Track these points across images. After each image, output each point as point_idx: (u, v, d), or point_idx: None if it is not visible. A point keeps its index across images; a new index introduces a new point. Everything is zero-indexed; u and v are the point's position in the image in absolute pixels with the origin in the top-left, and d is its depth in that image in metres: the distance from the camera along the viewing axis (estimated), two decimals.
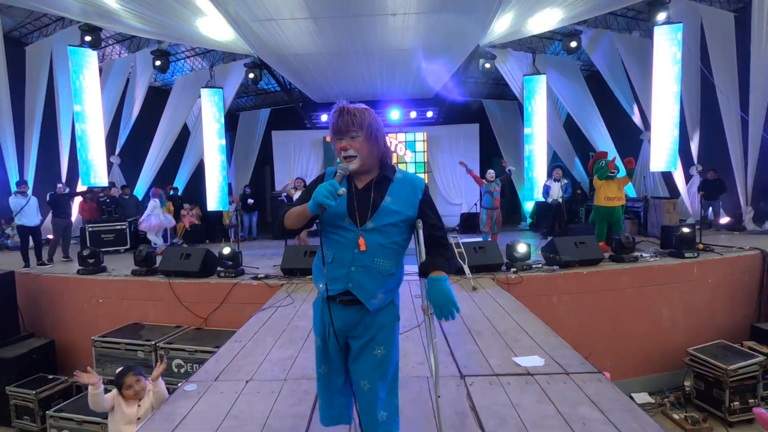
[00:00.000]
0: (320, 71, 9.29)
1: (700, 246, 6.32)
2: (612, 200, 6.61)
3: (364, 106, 1.57)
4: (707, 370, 5.07)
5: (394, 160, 1.62)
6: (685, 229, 5.98)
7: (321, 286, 1.57)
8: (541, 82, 9.64)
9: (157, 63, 9.26)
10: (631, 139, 10.00)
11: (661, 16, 7.69)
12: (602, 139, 10.02)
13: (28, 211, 6.94)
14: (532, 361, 2.85)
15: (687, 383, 5.39)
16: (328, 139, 1.70)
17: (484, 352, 3.05)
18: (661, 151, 8.13)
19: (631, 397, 5.45)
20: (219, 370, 2.85)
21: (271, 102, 13.11)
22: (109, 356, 5.24)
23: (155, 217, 8.41)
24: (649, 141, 8.77)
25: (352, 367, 1.61)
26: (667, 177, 9.49)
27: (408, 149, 11.88)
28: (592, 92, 10.17)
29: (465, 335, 3.42)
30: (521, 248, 5.70)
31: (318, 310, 1.64)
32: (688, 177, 9.21)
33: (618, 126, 10.21)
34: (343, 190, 1.43)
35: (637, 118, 9.73)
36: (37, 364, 5.69)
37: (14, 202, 6.89)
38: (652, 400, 5.49)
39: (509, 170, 7.57)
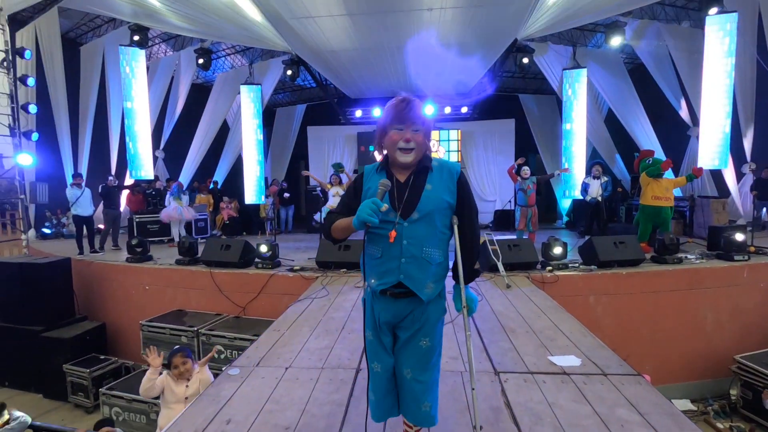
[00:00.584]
0: (356, 67, 9.38)
1: (752, 248, 5.98)
2: (659, 200, 6.30)
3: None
4: (756, 379, 4.82)
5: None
6: (738, 235, 5.64)
7: (373, 281, 1.62)
8: (581, 76, 9.34)
9: (200, 61, 9.61)
10: (678, 136, 9.54)
11: (713, 10, 7.27)
12: (646, 135, 9.60)
13: (83, 202, 7.41)
14: (568, 360, 2.82)
15: (733, 392, 5.14)
16: (374, 136, 1.72)
17: (518, 350, 3.04)
18: (710, 147, 7.72)
19: (671, 402, 5.31)
20: (260, 357, 2.98)
21: (307, 98, 13.34)
22: (155, 340, 5.54)
23: (182, 210, 8.40)
24: (697, 137, 8.34)
25: (397, 357, 1.66)
26: (716, 175, 8.99)
27: (441, 146, 11.81)
28: (636, 86, 9.75)
29: (499, 332, 3.41)
30: (557, 247, 5.59)
31: (369, 305, 1.68)
32: (739, 175, 8.71)
33: (663, 122, 9.76)
34: (385, 206, 1.47)
35: (684, 113, 9.27)
36: (90, 344, 6.12)
37: (70, 193, 7.38)
38: (695, 408, 5.28)
39: (556, 173, 7.56)
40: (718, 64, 7.47)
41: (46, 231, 9.80)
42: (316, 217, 8.21)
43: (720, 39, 7.42)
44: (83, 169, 9.74)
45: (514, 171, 7.18)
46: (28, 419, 3.37)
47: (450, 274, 1.70)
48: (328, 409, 2.30)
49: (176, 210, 8.25)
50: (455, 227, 1.65)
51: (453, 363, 2.85)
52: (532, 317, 3.76)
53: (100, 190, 7.83)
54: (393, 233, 1.55)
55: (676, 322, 5.40)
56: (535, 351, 3.01)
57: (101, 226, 8.24)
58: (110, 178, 8.09)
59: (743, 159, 8.50)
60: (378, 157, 1.73)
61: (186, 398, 2.96)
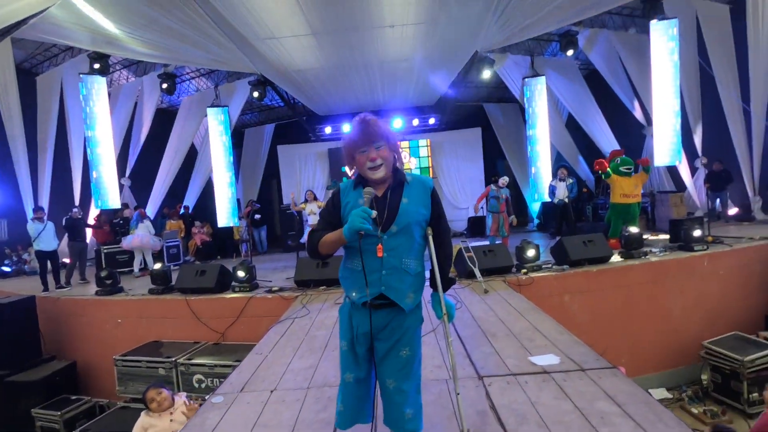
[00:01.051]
0: (322, 85, 9.46)
1: (710, 238, 6.33)
2: (628, 197, 6.65)
3: (374, 116, 1.68)
4: (724, 363, 5.07)
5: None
6: (696, 231, 5.96)
7: (354, 293, 1.66)
8: (540, 84, 9.73)
9: (164, 86, 9.48)
10: (634, 135, 10.04)
11: (654, 21, 7.79)
12: (605, 137, 10.07)
13: (46, 236, 7.12)
14: (547, 359, 2.91)
15: (704, 377, 5.38)
16: (347, 154, 1.79)
17: (500, 353, 3.11)
18: (664, 145, 8.17)
19: (649, 393, 5.50)
20: (243, 382, 2.94)
21: (276, 117, 13.32)
22: (131, 374, 5.35)
23: (150, 239, 8.27)
24: (652, 136, 8.82)
25: (378, 368, 1.69)
26: (672, 171, 9.50)
27: (412, 156, 12.00)
28: (592, 91, 10.24)
29: (480, 337, 3.48)
30: (530, 250, 5.76)
31: (346, 316, 1.72)
32: (693, 170, 9.22)
33: (620, 123, 10.26)
34: (375, 213, 1.54)
35: (638, 114, 9.78)
36: (60, 385, 5.81)
37: (32, 227, 7.08)
38: (670, 396, 5.48)
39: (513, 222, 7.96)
40: (664, 66, 7.95)
41: (6, 269, 9.34)
42: (303, 240, 8.18)
43: (664, 43, 7.92)
44: (45, 202, 9.37)
45: (484, 198, 7.51)
46: None
47: (427, 283, 1.76)
48: (317, 428, 2.29)
49: (137, 238, 8.10)
50: (430, 238, 1.72)
51: (438, 371, 2.89)
52: (511, 320, 3.86)
53: (63, 222, 7.55)
54: (380, 247, 1.61)
55: (647, 314, 5.63)
56: (516, 353, 3.10)
57: (66, 260, 7.92)
58: (74, 209, 7.83)
59: (695, 154, 9.02)
60: (349, 172, 1.79)
61: None
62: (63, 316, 6.54)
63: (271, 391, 2.77)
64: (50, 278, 7.18)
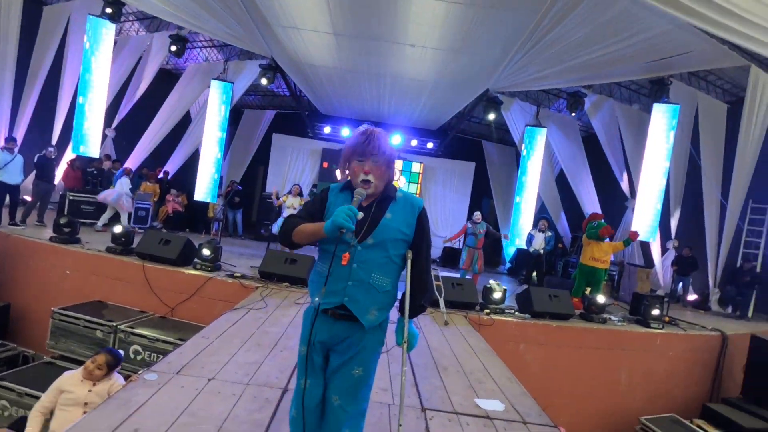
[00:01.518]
0: (332, 85, 9.47)
1: (666, 318, 6.51)
2: (596, 261, 6.81)
3: (386, 132, 1.66)
4: None
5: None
6: (654, 311, 6.12)
7: (317, 298, 1.61)
8: (541, 135, 9.98)
9: (173, 48, 9.29)
10: (616, 205, 10.35)
11: (658, 105, 8.15)
12: (590, 200, 10.35)
13: (12, 168, 6.79)
14: (492, 404, 2.89)
15: None
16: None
17: (447, 389, 3.08)
18: (643, 220, 8.43)
19: None
20: (182, 364, 2.81)
21: (278, 105, 13.22)
22: (66, 330, 5.06)
23: (126, 198, 7.96)
24: (633, 209, 9.10)
25: (328, 381, 1.64)
26: (644, 246, 9.80)
27: (403, 176, 12.05)
28: (587, 153, 10.56)
29: (431, 369, 3.45)
30: (497, 292, 5.79)
31: (308, 321, 1.67)
32: (663, 249, 9.54)
33: (606, 190, 10.58)
34: (361, 215, 1.51)
35: (625, 185, 10.11)
36: None
37: (0, 156, 6.74)
38: None
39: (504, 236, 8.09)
40: (658, 147, 8.27)
41: None
42: (274, 229, 8.03)
43: (663, 125, 8.25)
44: (20, 134, 8.96)
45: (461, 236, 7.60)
46: None
47: (397, 305, 1.72)
48: (246, 428, 2.20)
49: (115, 194, 7.78)
50: (408, 261, 1.69)
51: (382, 394, 2.83)
52: (465, 357, 3.84)
53: (35, 159, 7.22)
54: (346, 255, 1.57)
55: (595, 379, 5.71)
56: (464, 391, 3.07)
57: (27, 198, 7.56)
58: (50, 149, 7.50)
59: (669, 235, 9.35)
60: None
61: (85, 404, 2.70)
62: (9, 254, 6.19)
63: (209, 380, 2.66)
64: (6, 213, 6.82)
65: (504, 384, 3.32)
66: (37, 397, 4.12)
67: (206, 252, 5.76)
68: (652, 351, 5.97)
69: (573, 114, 9.61)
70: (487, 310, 5.60)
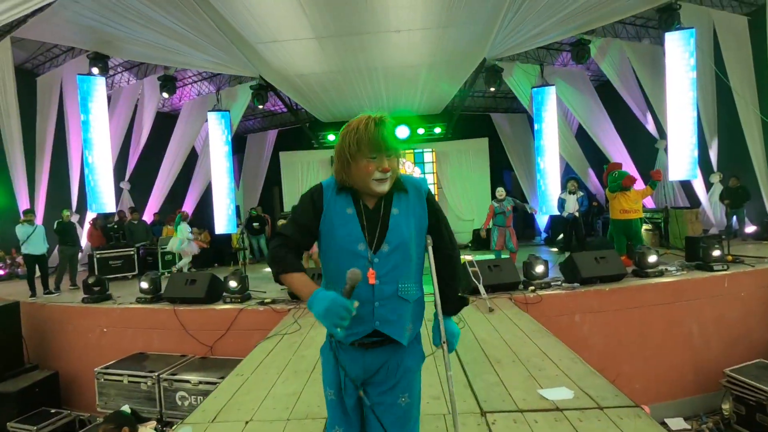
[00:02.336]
0: (325, 91, 9.26)
1: (729, 257, 5.98)
2: (627, 213, 6.36)
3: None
4: (748, 394, 4.68)
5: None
6: (715, 252, 5.61)
7: (339, 331, 1.24)
8: (550, 94, 9.45)
9: (164, 88, 9.32)
10: (647, 148, 9.73)
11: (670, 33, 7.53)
12: (617, 149, 9.76)
13: (35, 240, 6.90)
14: (559, 393, 2.58)
15: (725, 407, 4.99)
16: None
17: (505, 384, 2.78)
18: (680, 159, 7.82)
19: (665, 423, 5.11)
20: (217, 410, 2.63)
21: (278, 123, 13.16)
22: (112, 388, 5.05)
23: (188, 243, 8.26)
24: (665, 150, 8.49)
25: (368, 419, 1.37)
26: (686, 186, 9.16)
27: (417, 167, 11.74)
28: (604, 102, 9.96)
29: (483, 363, 3.16)
30: (539, 266, 5.43)
31: (330, 358, 1.40)
32: (708, 185, 8.87)
33: (632, 135, 9.95)
34: (356, 304, 1.21)
35: (651, 127, 9.47)
36: (40, 397, 5.53)
37: (21, 230, 6.86)
38: (688, 426, 5.10)
39: (529, 209, 7.71)
40: (680, 78, 7.64)
41: None
42: None
43: (680, 54, 7.62)
44: (40, 205, 9.19)
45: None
46: None
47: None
48: None
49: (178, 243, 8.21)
50: (429, 249, 1.42)
51: (435, 404, 2.57)
52: (518, 344, 3.53)
53: (55, 226, 7.34)
54: (371, 273, 1.30)
55: (664, 337, 5.28)
56: (524, 384, 2.77)
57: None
58: (66, 213, 7.61)
59: (710, 169, 8.68)
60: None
61: None
62: (48, 323, 6.27)
63: (246, 422, 2.46)
64: (38, 284, 6.94)
65: (567, 366, 2.99)
66: None
67: (233, 284, 5.65)
68: (721, 295, 5.47)
69: (580, 65, 9.05)
70: (532, 287, 5.25)
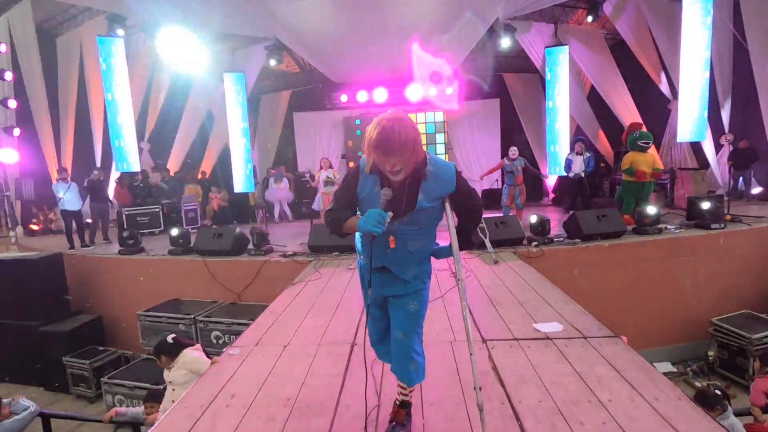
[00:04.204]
0: (338, 50, 9.32)
1: (728, 217, 6.23)
2: (641, 174, 6.54)
3: (402, 121, 1.54)
4: (731, 340, 5.10)
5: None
6: (704, 203, 5.88)
7: (362, 260, 1.82)
8: (563, 53, 9.40)
9: (181, 49, 9.43)
10: (658, 109, 9.72)
11: None
12: (627, 111, 9.76)
13: (70, 196, 7.37)
14: (551, 327, 2.99)
15: (710, 353, 5.44)
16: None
17: (505, 320, 3.20)
18: (689, 120, 7.88)
19: (653, 366, 5.58)
20: (258, 337, 3.11)
21: (292, 84, 13.18)
22: (153, 329, 5.65)
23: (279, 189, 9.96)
24: (677, 111, 8.52)
25: (391, 317, 1.85)
26: (696, 147, 9.22)
27: (428, 131, 11.85)
28: (617, 62, 9.86)
29: (487, 305, 3.57)
30: (543, 223, 5.76)
31: (361, 270, 1.92)
32: (718, 147, 8.94)
33: (644, 96, 9.91)
34: (391, 215, 1.57)
35: (664, 87, 9.41)
36: (87, 337, 6.19)
37: (57, 188, 7.33)
38: (675, 369, 5.57)
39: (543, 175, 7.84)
40: (695, 37, 7.57)
41: (34, 227, 9.73)
42: (315, 206, 8.45)
43: (697, 11, 7.52)
44: (68, 164, 9.63)
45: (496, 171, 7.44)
46: (37, 408, 3.43)
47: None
48: (326, 381, 2.44)
49: (280, 191, 9.86)
50: (447, 205, 1.73)
51: (444, 334, 3.00)
52: (518, 289, 3.93)
53: (85, 183, 7.78)
54: (392, 239, 1.69)
55: (657, 290, 5.64)
56: (521, 320, 3.18)
57: (89, 221, 8.22)
58: (95, 171, 8.03)
59: (721, 131, 8.72)
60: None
61: (170, 382, 2.84)
62: (89, 273, 6.86)
63: (284, 346, 2.93)
64: (76, 237, 7.48)
65: (560, 307, 3.39)
66: (145, 389, 4.71)
67: (255, 239, 6.09)
68: (716, 252, 5.77)
69: (595, 23, 8.92)
70: (535, 243, 5.60)
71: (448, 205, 1.74)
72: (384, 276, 1.78)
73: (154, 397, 3.18)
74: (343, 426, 1.99)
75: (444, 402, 2.14)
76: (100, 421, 3.50)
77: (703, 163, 9.10)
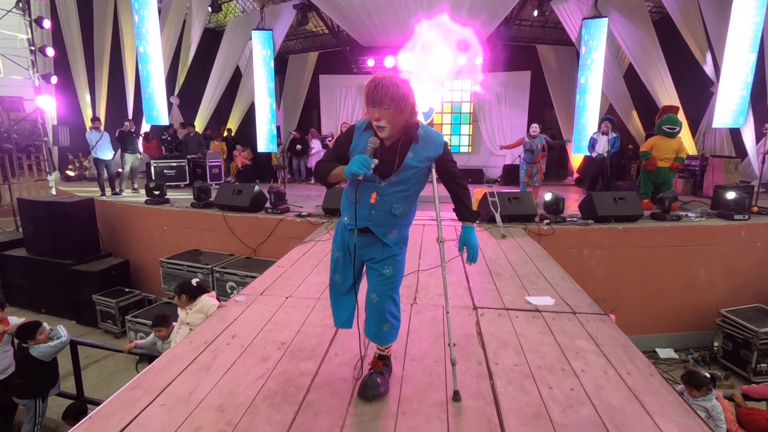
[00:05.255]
0: (367, 13, 9.15)
1: (755, 209, 6.02)
2: (662, 161, 6.37)
3: (396, 77, 1.68)
4: (738, 332, 5.06)
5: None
6: (729, 193, 5.69)
7: (346, 219, 1.88)
8: (602, 26, 8.93)
9: (210, 4, 9.47)
10: (700, 93, 9.21)
11: None
12: (665, 92, 9.29)
13: (102, 145, 7.72)
14: (543, 300, 3.07)
15: (716, 343, 5.41)
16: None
17: (499, 290, 3.29)
18: (728, 104, 7.49)
19: (655, 351, 5.61)
20: (264, 288, 3.31)
21: (320, 45, 13.09)
22: (173, 275, 6.00)
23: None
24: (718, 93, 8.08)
25: (368, 281, 1.93)
26: (735, 134, 8.77)
27: (453, 100, 11.64)
28: (660, 38, 9.31)
29: (485, 276, 3.67)
30: (557, 201, 5.71)
31: (339, 232, 1.97)
32: (759, 136, 8.48)
33: (686, 77, 9.38)
34: (376, 162, 1.67)
35: (709, 69, 8.87)
36: (115, 278, 6.64)
37: (90, 136, 7.67)
38: (677, 356, 5.58)
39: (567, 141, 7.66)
40: (746, 15, 7.08)
41: (70, 173, 10.25)
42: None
43: None
44: (101, 113, 9.99)
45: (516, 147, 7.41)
46: (69, 337, 3.77)
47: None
48: (320, 331, 2.62)
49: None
50: (433, 170, 1.86)
51: (437, 299, 3.12)
52: (520, 263, 3.99)
53: (116, 134, 8.09)
54: (374, 195, 1.78)
55: (668, 277, 5.59)
56: (515, 292, 3.27)
57: (120, 170, 8.61)
58: (126, 122, 8.33)
59: (765, 118, 8.24)
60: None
61: (187, 323, 3.14)
62: (118, 219, 7.27)
63: (287, 298, 3.12)
64: (106, 185, 7.88)
65: (557, 283, 3.46)
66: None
67: (273, 198, 6.29)
68: (736, 243, 5.63)
69: None
70: (547, 221, 5.59)
71: (434, 171, 1.84)
72: (365, 238, 1.85)
73: (160, 322, 3.56)
74: (330, 370, 2.17)
75: (425, 358, 2.28)
76: (121, 351, 3.86)
77: (742, 152, 8.68)
